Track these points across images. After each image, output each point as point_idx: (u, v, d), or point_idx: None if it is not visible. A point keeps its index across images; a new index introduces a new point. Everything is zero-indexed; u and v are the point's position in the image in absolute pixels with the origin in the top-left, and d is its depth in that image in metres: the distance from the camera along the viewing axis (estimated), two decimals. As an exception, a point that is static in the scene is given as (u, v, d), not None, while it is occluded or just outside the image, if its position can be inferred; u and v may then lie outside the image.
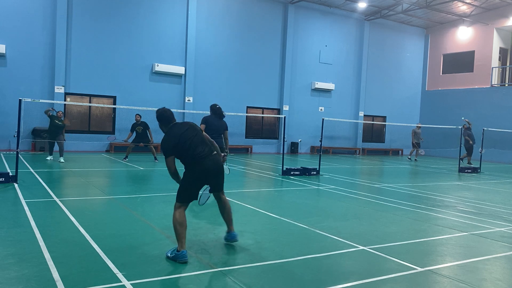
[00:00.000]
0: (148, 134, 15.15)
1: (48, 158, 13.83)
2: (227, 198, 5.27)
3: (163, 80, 19.61)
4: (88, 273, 3.97)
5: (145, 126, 15.10)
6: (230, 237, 5.17)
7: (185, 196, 4.75)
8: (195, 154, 4.75)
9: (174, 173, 4.81)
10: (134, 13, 18.85)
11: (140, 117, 15.14)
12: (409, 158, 21.60)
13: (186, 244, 4.64)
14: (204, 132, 5.12)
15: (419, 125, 21.10)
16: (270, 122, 23.34)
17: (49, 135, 13.92)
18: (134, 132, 15.07)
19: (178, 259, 4.50)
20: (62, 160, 13.39)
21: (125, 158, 14.88)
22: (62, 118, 13.97)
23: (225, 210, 5.18)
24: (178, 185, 4.78)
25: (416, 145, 20.62)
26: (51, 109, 14.27)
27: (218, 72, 20.93)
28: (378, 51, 26.08)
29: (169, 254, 4.65)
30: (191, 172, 4.78)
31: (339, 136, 24.81)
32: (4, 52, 16.26)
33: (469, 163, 19.94)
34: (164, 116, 4.93)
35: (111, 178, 11.27)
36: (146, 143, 15.15)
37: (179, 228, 4.62)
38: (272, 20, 22.49)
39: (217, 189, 5.09)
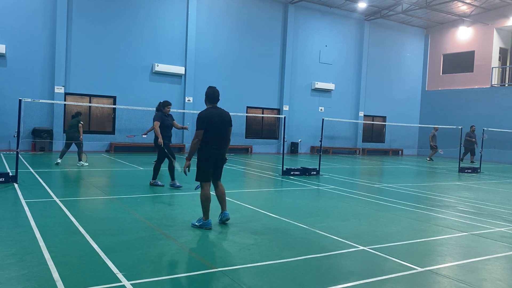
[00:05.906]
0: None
1: (58, 161, 12.52)
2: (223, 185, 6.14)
3: (163, 80, 19.60)
4: (88, 273, 3.97)
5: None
6: (223, 216, 5.99)
7: (204, 176, 5.76)
8: (213, 138, 5.69)
9: (195, 143, 5.68)
10: (134, 13, 18.85)
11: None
12: (429, 160, 21.15)
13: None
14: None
15: (437, 128, 20.69)
16: (270, 122, 23.33)
17: (66, 135, 12.69)
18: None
19: (204, 226, 5.67)
20: (80, 163, 12.54)
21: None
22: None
23: (219, 194, 6.01)
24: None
25: (434, 147, 20.57)
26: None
27: (218, 72, 20.92)
28: (378, 51, 26.08)
29: (196, 223, 5.74)
30: (204, 155, 5.73)
31: (339, 136, 24.81)
32: (4, 52, 16.25)
33: (471, 161, 20.05)
34: (211, 93, 5.83)
35: (111, 178, 11.26)
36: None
37: (205, 202, 5.72)
38: (272, 20, 22.49)
39: (216, 177, 5.96)
